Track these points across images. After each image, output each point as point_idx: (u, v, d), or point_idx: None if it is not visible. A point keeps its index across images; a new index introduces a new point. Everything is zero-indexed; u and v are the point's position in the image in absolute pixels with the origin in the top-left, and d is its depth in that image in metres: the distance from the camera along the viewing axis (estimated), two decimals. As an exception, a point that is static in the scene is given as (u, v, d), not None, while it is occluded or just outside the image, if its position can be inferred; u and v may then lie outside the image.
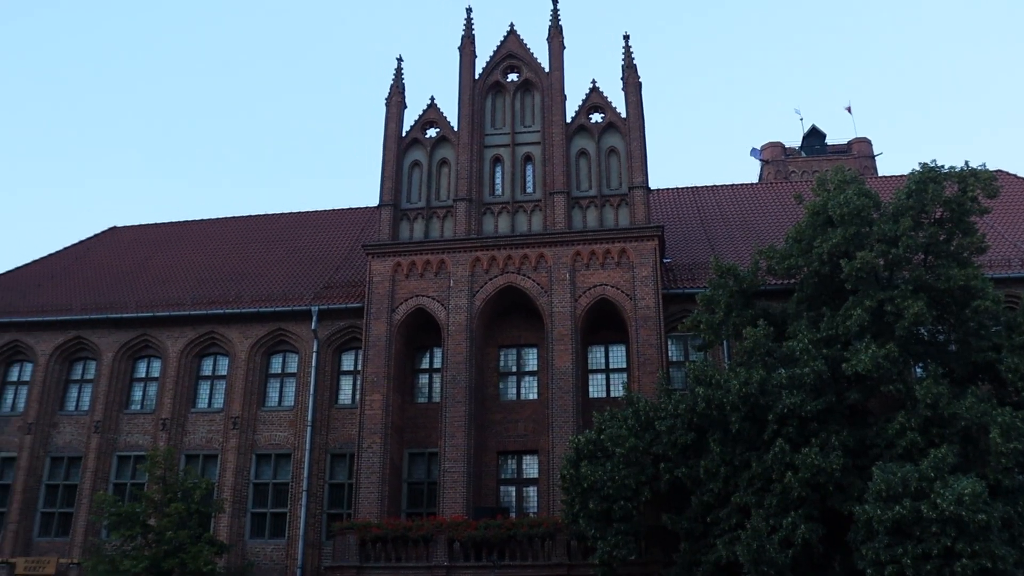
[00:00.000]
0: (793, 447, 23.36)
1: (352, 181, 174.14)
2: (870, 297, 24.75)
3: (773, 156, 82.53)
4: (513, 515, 31.76)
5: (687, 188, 44.79)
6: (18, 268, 46.20)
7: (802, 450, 23.04)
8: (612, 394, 33.26)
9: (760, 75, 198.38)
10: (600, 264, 33.18)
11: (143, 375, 38.76)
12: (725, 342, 30.64)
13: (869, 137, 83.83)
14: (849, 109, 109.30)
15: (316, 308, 36.15)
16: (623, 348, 33.96)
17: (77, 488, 36.92)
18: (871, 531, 21.97)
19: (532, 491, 32.96)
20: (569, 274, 33.00)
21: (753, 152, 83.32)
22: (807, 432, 23.77)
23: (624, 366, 33.77)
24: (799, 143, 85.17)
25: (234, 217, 48.34)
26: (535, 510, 32.26)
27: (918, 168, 26.60)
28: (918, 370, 27.21)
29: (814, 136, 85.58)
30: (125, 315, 38.60)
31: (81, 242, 48.71)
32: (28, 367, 39.78)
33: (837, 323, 25.20)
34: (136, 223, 50.85)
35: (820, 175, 29.76)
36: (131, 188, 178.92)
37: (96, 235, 49.47)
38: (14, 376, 40.16)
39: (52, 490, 37.63)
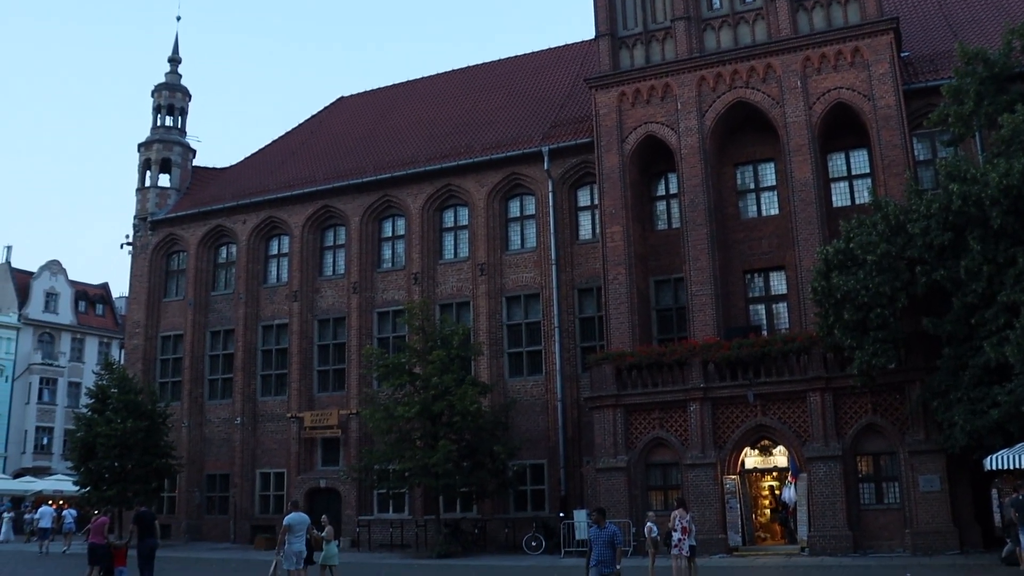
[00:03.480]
0: (1066, 238, 21.88)
1: (563, 17, 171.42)
2: None
3: (1016, -78, 74.74)
4: (765, 333, 31.66)
5: (921, -27, 41.42)
6: (262, 149, 48.93)
7: (1076, 241, 21.55)
8: (857, 201, 32.06)
9: None
10: (832, 67, 31.53)
11: (390, 234, 40.62)
12: (977, 134, 28.66)
13: None
14: None
15: (547, 148, 36.42)
16: (865, 152, 32.51)
17: (345, 346, 39.65)
18: None
19: (782, 307, 32.64)
20: (800, 81, 31.61)
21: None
22: (1080, 221, 22.15)
23: (867, 171, 32.41)
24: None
25: (453, 71, 48.85)
26: (786, 326, 31.97)
27: None
28: None
29: None
30: (366, 179, 40.31)
31: (314, 116, 50.80)
32: (285, 240, 42.52)
33: (1109, 98, 23.06)
34: (360, 91, 52.40)
35: (1079, -66, 26.85)
36: (349, 59, 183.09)
37: (326, 107, 51.38)
38: (274, 250, 43.13)
39: (324, 350, 40.56)
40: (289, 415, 39.63)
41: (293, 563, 19.69)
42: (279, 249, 42.94)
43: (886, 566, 23.44)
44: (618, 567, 13.99)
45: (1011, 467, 22.24)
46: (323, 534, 21.53)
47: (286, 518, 20.27)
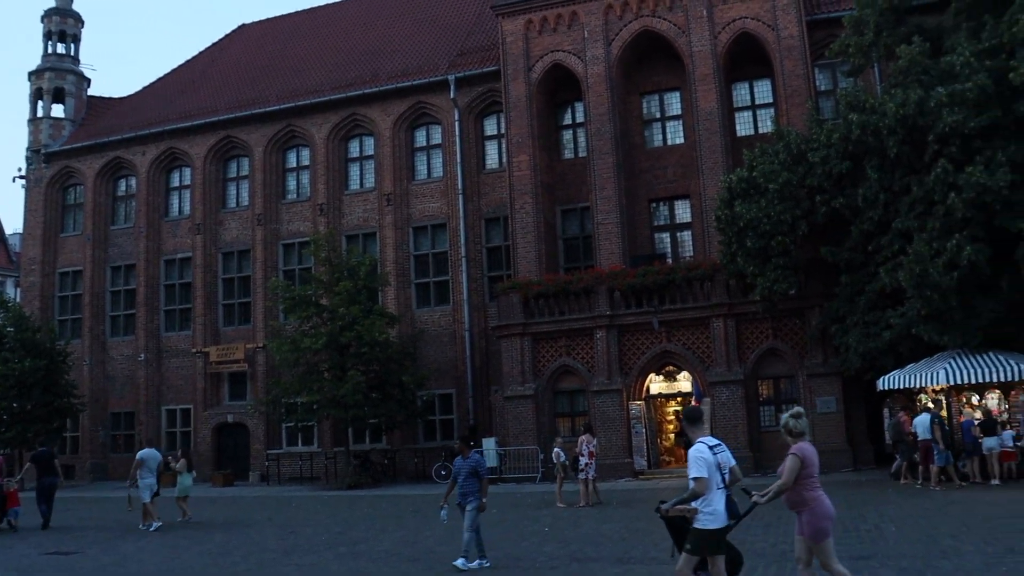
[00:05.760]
0: (956, 167, 22.17)
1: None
2: (1040, -2, 22.82)
3: None
4: (670, 260, 32.11)
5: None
6: (161, 78, 47.40)
7: (966, 169, 21.95)
8: (760, 131, 32.51)
9: None
10: (738, -4, 31.69)
11: (294, 164, 39.92)
12: (876, 65, 29.22)
13: None
14: None
15: (453, 76, 36.03)
16: (768, 82, 32.86)
17: (250, 279, 39.07)
18: (1043, 248, 21.20)
19: (687, 235, 33.09)
20: (706, 11, 31.68)
21: None
22: (971, 150, 22.46)
23: (771, 101, 32.81)
24: None
25: (357, -3, 47.76)
26: (691, 254, 32.48)
27: None
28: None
29: None
30: (269, 108, 39.47)
31: (214, 44, 49.31)
32: (187, 171, 41.49)
33: (1002, 31, 23.21)
34: (262, 18, 50.96)
35: None
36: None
37: (227, 35, 49.92)
38: (176, 182, 42.09)
39: (228, 283, 39.91)
40: (194, 350, 39.04)
41: (148, 496, 20.46)
42: (180, 181, 41.89)
43: (784, 485, 24.16)
44: (484, 500, 13.20)
45: (901, 387, 23.20)
46: (177, 466, 22.02)
47: (139, 453, 21.23)
